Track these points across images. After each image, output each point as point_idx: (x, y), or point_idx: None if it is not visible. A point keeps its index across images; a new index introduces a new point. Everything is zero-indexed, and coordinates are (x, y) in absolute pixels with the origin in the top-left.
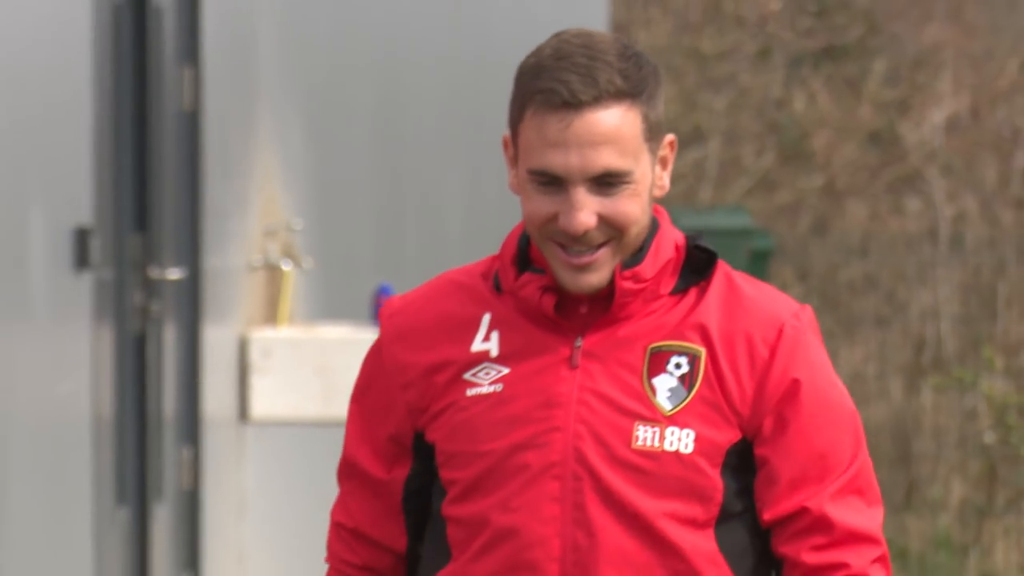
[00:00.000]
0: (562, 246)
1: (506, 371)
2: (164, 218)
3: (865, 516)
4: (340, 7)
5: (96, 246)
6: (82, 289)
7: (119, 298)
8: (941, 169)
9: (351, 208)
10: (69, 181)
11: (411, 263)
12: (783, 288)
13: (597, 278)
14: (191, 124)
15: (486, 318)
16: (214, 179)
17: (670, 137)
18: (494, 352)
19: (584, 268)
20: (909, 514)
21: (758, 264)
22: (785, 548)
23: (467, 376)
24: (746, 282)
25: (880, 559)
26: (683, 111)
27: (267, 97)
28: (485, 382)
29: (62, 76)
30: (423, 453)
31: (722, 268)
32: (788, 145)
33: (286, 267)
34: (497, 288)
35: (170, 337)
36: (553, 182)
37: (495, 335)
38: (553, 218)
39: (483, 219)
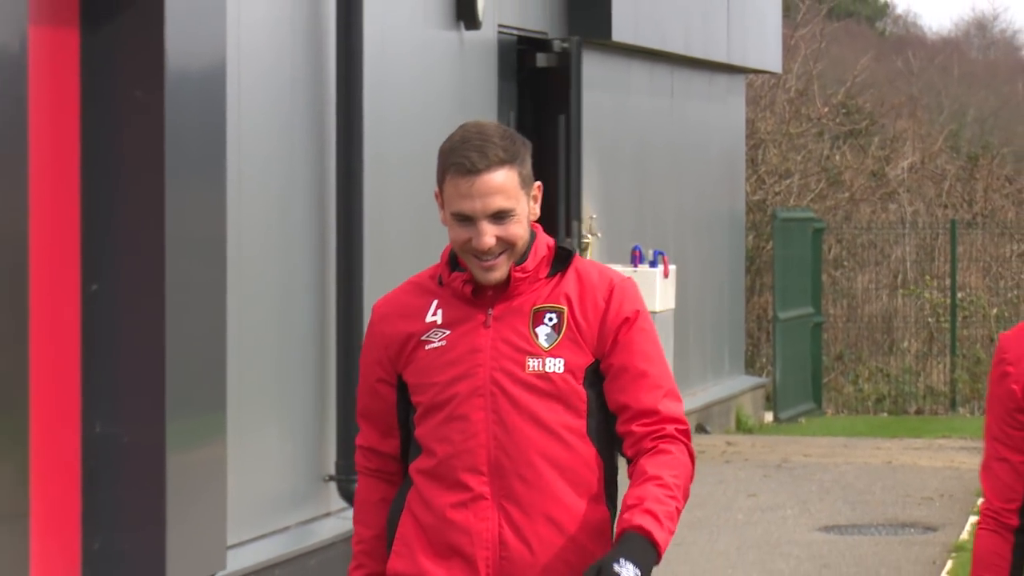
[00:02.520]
0: (476, 256)
1: (448, 332)
2: (547, 221)
3: (677, 408)
4: (611, 120)
5: None
6: None
7: None
8: (906, 189)
9: (621, 209)
10: None
11: (647, 241)
12: (830, 248)
13: (499, 274)
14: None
15: (434, 302)
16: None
17: (538, 183)
18: (440, 321)
19: (490, 269)
20: (891, 357)
21: (816, 236)
22: (625, 427)
23: (424, 338)
24: (592, 266)
25: (683, 431)
26: (780, 162)
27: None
28: (436, 340)
29: None
30: (402, 388)
31: (577, 259)
32: (831, 178)
33: (590, 237)
34: (439, 283)
35: None
36: (467, 219)
37: (440, 311)
38: (468, 241)
39: (686, 221)
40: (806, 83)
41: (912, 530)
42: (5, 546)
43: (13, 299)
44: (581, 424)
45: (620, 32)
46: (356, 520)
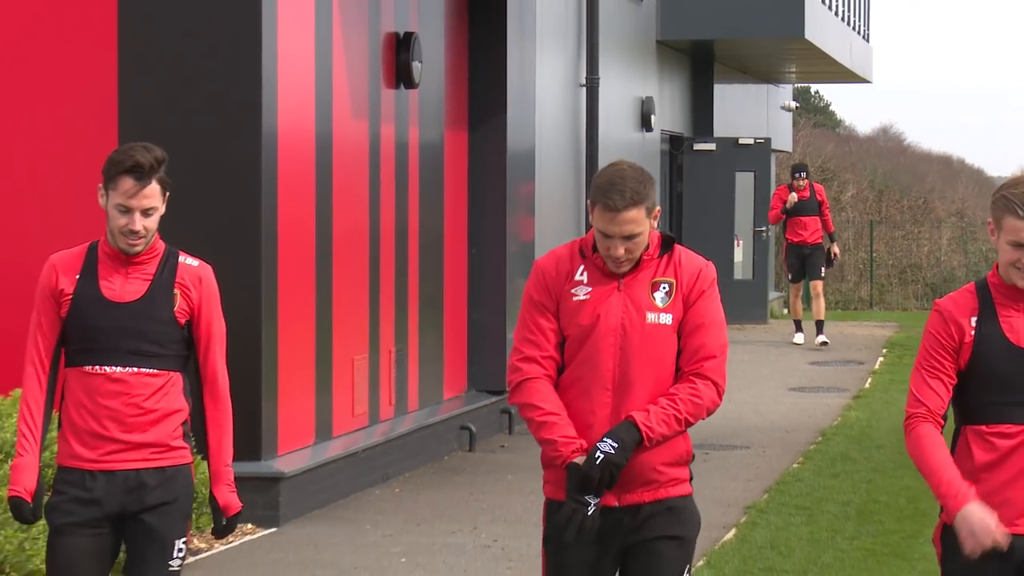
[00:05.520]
0: (611, 258)
1: (590, 289)
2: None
3: (717, 348)
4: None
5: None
6: None
7: None
8: (850, 206)
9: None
10: None
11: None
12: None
13: (625, 269)
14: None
15: (581, 266)
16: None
17: (658, 207)
18: (585, 281)
19: (619, 266)
20: (841, 283)
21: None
22: (685, 364)
23: (572, 291)
24: (686, 251)
25: (713, 367)
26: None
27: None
28: (581, 294)
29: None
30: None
31: (678, 246)
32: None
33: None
34: (582, 255)
35: None
36: (607, 236)
37: (585, 273)
38: (608, 249)
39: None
40: (802, 156)
41: (853, 363)
42: (430, 377)
43: (434, 259)
44: (675, 358)
45: (718, 131)
46: (545, 410)
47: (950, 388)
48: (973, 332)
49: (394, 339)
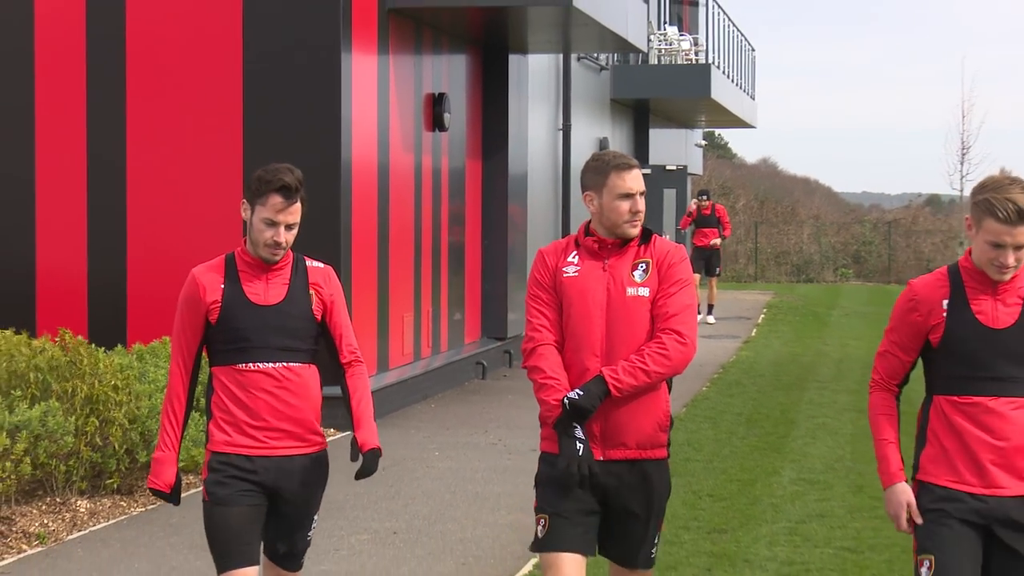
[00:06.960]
0: (630, 221)
1: (579, 268)
2: None
3: (683, 310)
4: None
5: None
6: None
7: None
8: (741, 211)
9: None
10: None
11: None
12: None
13: (638, 228)
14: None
15: (574, 252)
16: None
17: None
18: (576, 262)
19: (636, 226)
20: (736, 265)
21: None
22: (656, 323)
23: (564, 269)
24: (663, 240)
25: (677, 329)
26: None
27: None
28: (571, 271)
29: None
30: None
31: (655, 236)
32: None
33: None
34: (577, 244)
35: None
36: (628, 197)
37: (576, 256)
38: (630, 207)
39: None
40: (708, 179)
41: (743, 319)
42: (455, 328)
43: (458, 248)
44: (650, 320)
45: (652, 160)
46: (547, 374)
47: (910, 358)
48: (945, 314)
49: (431, 302)
